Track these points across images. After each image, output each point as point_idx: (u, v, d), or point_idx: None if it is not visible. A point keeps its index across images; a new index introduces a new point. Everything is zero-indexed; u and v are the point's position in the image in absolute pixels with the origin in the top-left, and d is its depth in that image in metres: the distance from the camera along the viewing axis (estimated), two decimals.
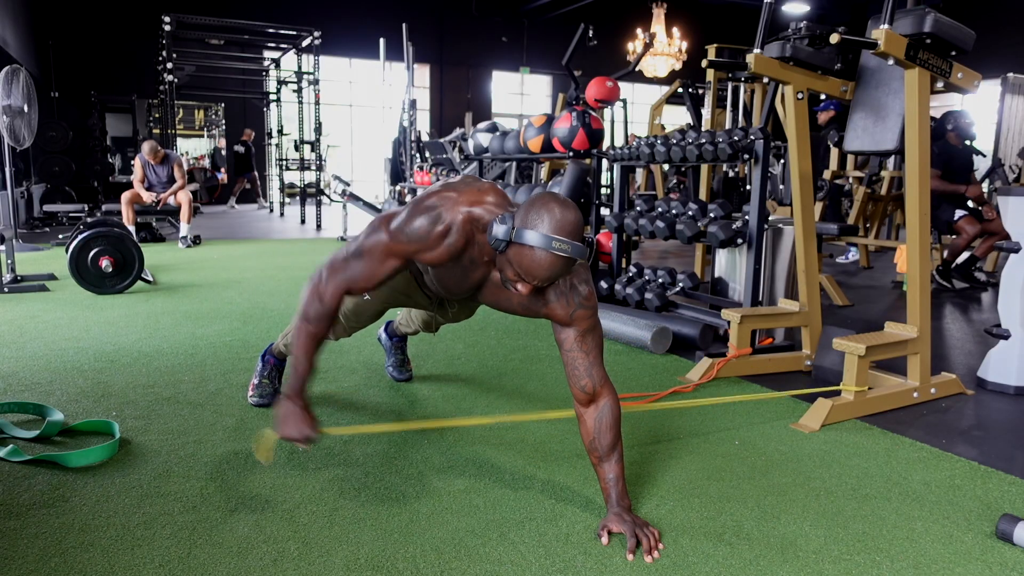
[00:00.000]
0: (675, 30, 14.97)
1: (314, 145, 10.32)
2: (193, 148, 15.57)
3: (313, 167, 10.44)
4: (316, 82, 10.07)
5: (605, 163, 4.76)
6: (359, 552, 1.58)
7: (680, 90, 6.20)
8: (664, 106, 8.88)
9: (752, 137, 3.27)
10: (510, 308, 1.80)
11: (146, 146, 7.28)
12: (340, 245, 7.77)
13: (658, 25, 14.78)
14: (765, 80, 4.58)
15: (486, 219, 1.63)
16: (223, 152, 14.80)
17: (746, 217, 3.33)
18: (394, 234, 1.67)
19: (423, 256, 1.66)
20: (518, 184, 6.01)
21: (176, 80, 9.55)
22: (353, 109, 16.56)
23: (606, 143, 6.61)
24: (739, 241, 3.34)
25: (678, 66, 14.99)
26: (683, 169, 7.59)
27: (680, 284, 3.79)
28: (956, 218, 5.31)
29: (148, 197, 7.21)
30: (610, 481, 1.72)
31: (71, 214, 9.84)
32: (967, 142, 5.66)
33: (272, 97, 12.28)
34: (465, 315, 2.27)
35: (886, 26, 2.38)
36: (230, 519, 1.71)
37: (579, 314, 1.70)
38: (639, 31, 15.07)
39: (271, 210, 13.03)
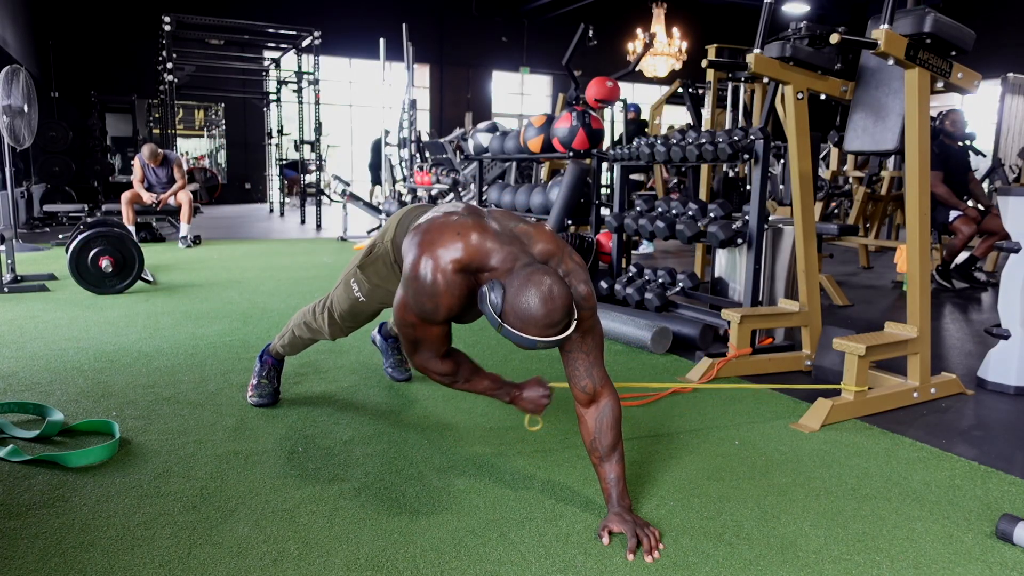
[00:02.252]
0: (675, 30, 14.97)
1: (314, 145, 10.32)
2: (193, 148, 15.59)
3: (313, 167, 10.44)
4: (316, 82, 10.07)
5: (605, 163, 4.76)
6: (359, 552, 1.58)
7: (680, 90, 6.20)
8: (664, 106, 8.88)
9: (752, 137, 3.27)
10: None
11: (145, 149, 7.27)
12: (340, 245, 7.77)
13: (658, 25, 14.78)
14: (765, 80, 4.58)
15: (476, 260, 1.66)
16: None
17: (746, 217, 3.33)
18: (419, 316, 1.73)
19: (447, 315, 1.71)
20: (518, 184, 6.01)
21: (176, 80, 9.55)
22: (353, 109, 16.57)
23: (606, 143, 6.61)
24: (739, 241, 3.34)
25: (678, 66, 14.99)
26: (683, 169, 7.58)
27: (680, 284, 3.79)
28: (952, 219, 5.32)
29: (148, 198, 7.21)
30: (611, 481, 1.72)
31: (71, 214, 9.84)
32: (965, 141, 5.67)
33: (272, 97, 12.28)
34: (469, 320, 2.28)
35: (886, 26, 2.38)
36: (230, 519, 1.71)
37: (579, 315, 1.70)
38: (639, 31, 15.07)
39: (270, 210, 13.04)
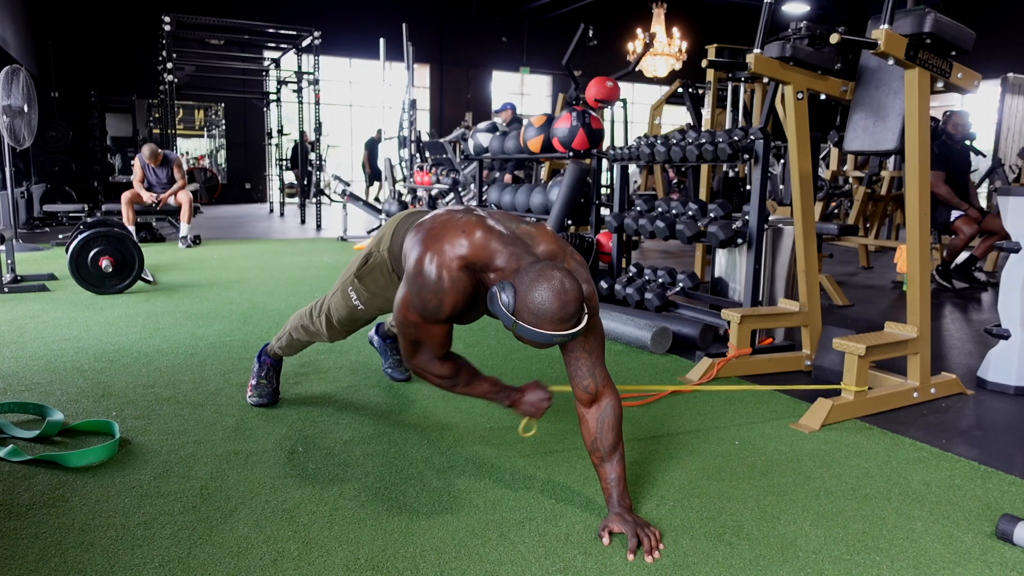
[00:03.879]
0: (675, 30, 14.98)
1: (314, 145, 10.32)
2: (193, 148, 15.59)
3: (313, 167, 10.44)
4: (316, 82, 10.07)
5: (605, 163, 4.76)
6: (359, 552, 1.58)
7: (680, 90, 6.20)
8: (664, 106, 8.88)
9: (752, 137, 3.27)
10: None
11: (146, 149, 7.27)
12: (340, 245, 7.77)
13: (658, 25, 14.78)
14: (765, 80, 4.58)
15: (481, 259, 1.66)
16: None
17: (746, 217, 3.33)
18: (423, 315, 1.72)
19: (451, 313, 1.70)
20: (518, 184, 6.01)
21: (176, 80, 9.55)
22: (353, 109, 16.57)
23: (606, 143, 6.61)
24: (739, 241, 3.34)
25: (678, 66, 14.99)
26: (683, 169, 7.60)
27: (680, 284, 3.79)
28: (952, 219, 5.32)
29: (148, 198, 7.21)
30: (611, 481, 1.72)
31: (71, 214, 9.84)
32: (966, 142, 5.67)
33: (272, 97, 12.28)
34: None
35: (886, 26, 2.38)
36: (230, 519, 1.71)
37: None
38: (639, 31, 15.07)
39: (270, 210, 13.04)
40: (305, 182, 10.61)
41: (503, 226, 1.73)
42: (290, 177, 11.43)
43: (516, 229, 1.74)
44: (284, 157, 12.42)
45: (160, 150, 7.39)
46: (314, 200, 10.21)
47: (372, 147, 13.82)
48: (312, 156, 10.39)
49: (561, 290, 1.52)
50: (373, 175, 13.86)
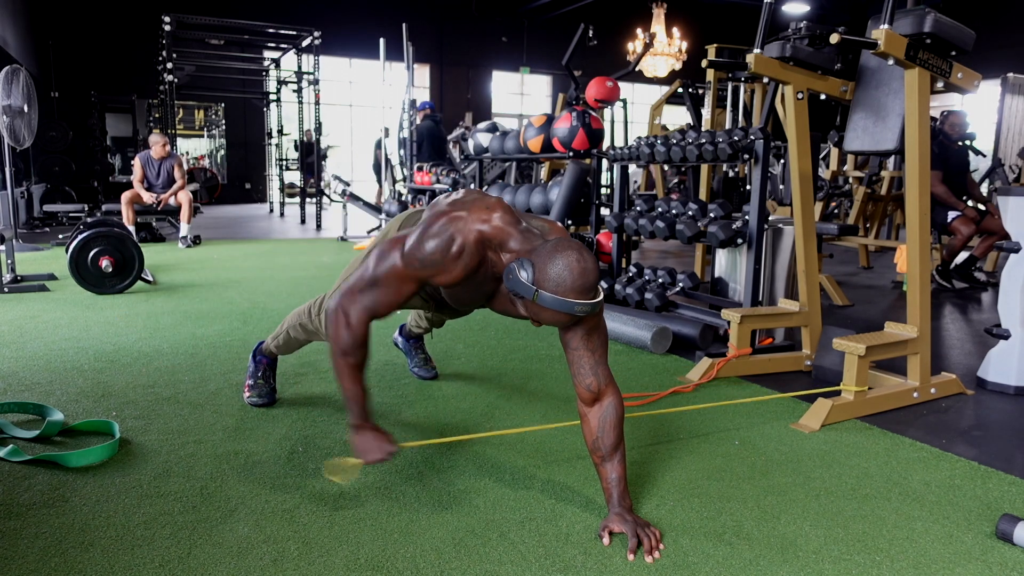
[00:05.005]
0: (675, 30, 14.97)
1: (314, 145, 10.32)
2: (193, 148, 15.59)
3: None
4: (316, 82, 10.07)
5: (605, 163, 4.76)
6: (359, 552, 1.58)
7: (680, 90, 6.20)
8: (664, 106, 8.88)
9: (752, 137, 3.27)
10: (520, 315, 1.80)
11: (154, 136, 7.31)
12: (340, 245, 7.76)
13: (658, 25, 14.78)
14: (765, 80, 4.58)
15: (498, 239, 1.66)
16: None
17: (746, 217, 3.33)
18: (408, 259, 1.67)
19: (439, 279, 1.67)
20: (518, 184, 6.01)
21: (176, 80, 9.54)
22: (353, 109, 16.57)
23: (606, 143, 6.61)
24: (739, 241, 3.34)
25: (678, 66, 14.99)
26: (683, 169, 7.60)
27: (680, 284, 3.78)
28: (950, 219, 5.32)
29: (148, 198, 7.21)
30: (612, 481, 1.72)
31: (71, 214, 9.84)
32: (965, 142, 5.67)
33: (272, 97, 12.28)
34: (467, 312, 2.27)
35: (886, 26, 2.38)
36: (230, 519, 1.71)
37: None
38: (639, 31, 15.06)
39: (270, 210, 13.04)
40: (312, 181, 10.56)
41: (520, 214, 1.75)
42: (297, 177, 11.33)
43: (530, 222, 1.77)
44: (284, 157, 12.41)
45: (168, 145, 7.43)
46: (314, 200, 10.21)
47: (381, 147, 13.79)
48: (325, 157, 10.36)
49: (580, 258, 1.53)
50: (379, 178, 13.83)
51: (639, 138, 4.00)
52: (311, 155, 11.04)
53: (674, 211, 3.68)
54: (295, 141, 11.10)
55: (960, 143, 5.58)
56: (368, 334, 1.75)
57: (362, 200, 8.59)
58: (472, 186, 7.45)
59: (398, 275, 1.69)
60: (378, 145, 13.54)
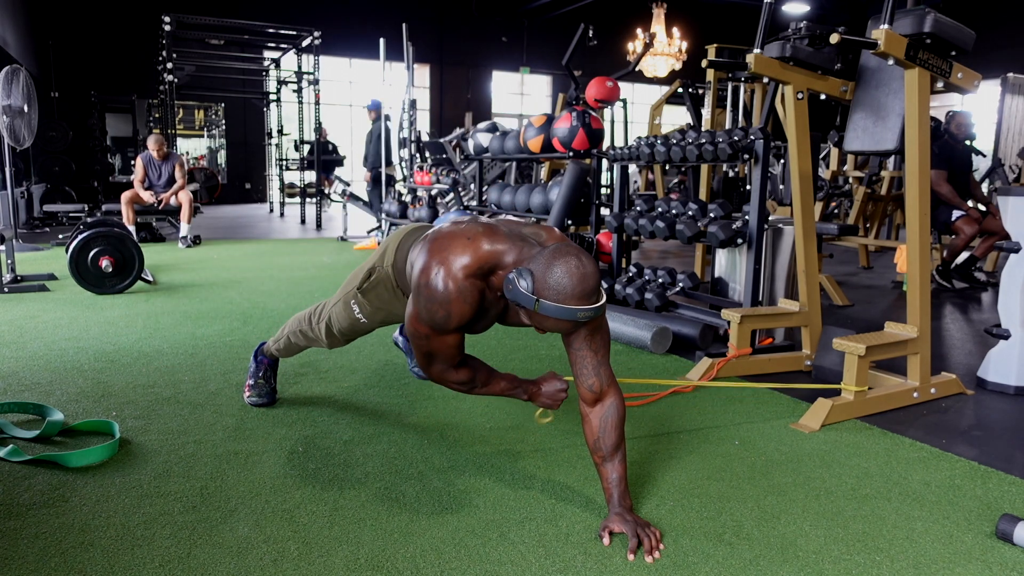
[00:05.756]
0: (675, 30, 14.97)
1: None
2: (193, 148, 15.59)
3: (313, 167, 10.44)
4: (316, 82, 10.07)
5: (605, 163, 4.76)
6: (359, 552, 1.58)
7: (680, 90, 6.20)
8: (664, 106, 8.88)
9: (752, 137, 3.27)
10: (525, 324, 1.80)
11: (152, 138, 7.32)
12: (340, 245, 7.76)
13: (658, 25, 14.78)
14: (765, 80, 4.58)
15: (489, 262, 1.66)
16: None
17: (746, 217, 3.33)
18: (432, 327, 1.72)
19: (461, 321, 1.70)
20: (518, 184, 6.01)
21: (176, 80, 9.54)
22: (353, 109, 16.56)
23: (606, 143, 6.60)
24: (739, 241, 3.34)
25: (678, 66, 14.99)
26: (683, 169, 7.60)
27: (680, 284, 3.79)
28: (954, 219, 5.32)
29: (148, 198, 7.22)
30: (613, 481, 1.72)
31: (71, 214, 9.84)
32: (967, 142, 5.67)
33: (272, 97, 12.28)
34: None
35: (886, 26, 2.38)
36: (230, 519, 1.71)
37: None
38: (639, 31, 15.07)
39: (270, 209, 13.04)
40: (327, 181, 10.50)
41: (508, 228, 1.74)
42: (297, 177, 11.26)
43: (522, 229, 1.76)
44: (285, 157, 12.41)
45: (166, 144, 7.44)
46: (314, 200, 10.21)
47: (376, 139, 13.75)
48: (340, 163, 10.32)
49: (579, 264, 1.53)
50: (378, 178, 13.79)
51: (639, 138, 4.00)
52: (325, 154, 11.02)
53: (674, 211, 3.68)
54: (295, 141, 11.09)
55: (964, 143, 5.59)
56: (467, 371, 1.87)
57: (362, 200, 8.59)
58: (472, 186, 7.45)
59: (436, 340, 1.75)
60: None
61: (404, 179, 8.59)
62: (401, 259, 2.00)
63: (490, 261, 1.66)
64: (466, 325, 1.74)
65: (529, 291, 1.54)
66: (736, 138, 3.31)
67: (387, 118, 8.66)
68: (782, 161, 5.50)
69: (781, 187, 5.60)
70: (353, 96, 16.53)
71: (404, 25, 8.11)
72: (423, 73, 16.77)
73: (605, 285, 4.09)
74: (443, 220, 1.88)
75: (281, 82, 11.69)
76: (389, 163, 8.30)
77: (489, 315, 1.80)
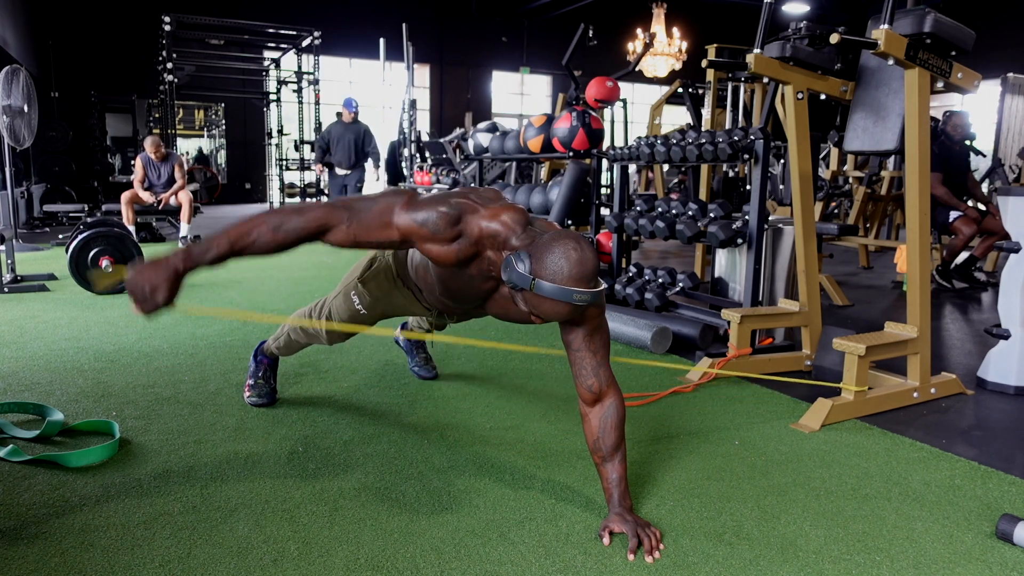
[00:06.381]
0: (675, 30, 14.97)
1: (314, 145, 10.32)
2: (194, 148, 15.59)
3: (313, 167, 10.44)
4: (316, 82, 10.08)
5: (605, 163, 4.76)
6: (359, 552, 1.58)
7: (680, 90, 6.20)
8: (664, 106, 8.88)
9: (752, 137, 3.27)
10: (519, 319, 1.77)
11: (149, 140, 7.32)
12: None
13: (658, 25, 14.78)
14: (765, 80, 4.58)
15: (501, 237, 1.60)
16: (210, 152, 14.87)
17: (746, 217, 3.33)
18: (411, 208, 1.59)
19: (426, 246, 1.60)
20: (518, 184, 6.01)
21: (176, 80, 9.55)
22: None
23: (606, 143, 6.61)
24: (739, 241, 3.34)
25: (678, 66, 14.99)
26: (683, 169, 7.60)
27: (680, 284, 3.78)
28: (952, 219, 5.32)
29: (148, 198, 7.22)
30: (613, 481, 1.72)
31: (71, 214, 9.84)
32: (967, 142, 5.67)
33: (272, 97, 12.28)
34: (466, 316, 2.27)
35: (886, 26, 2.38)
36: (230, 519, 1.71)
37: (588, 312, 1.69)
38: (639, 31, 15.06)
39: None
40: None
41: (529, 220, 1.73)
42: (302, 178, 11.24)
43: (533, 223, 1.74)
44: (285, 157, 12.42)
45: (164, 146, 7.44)
46: (314, 201, 10.22)
47: (394, 150, 13.73)
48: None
49: (577, 247, 1.50)
50: (397, 176, 13.74)
51: (639, 138, 4.00)
52: None
53: (674, 211, 3.68)
54: (295, 141, 11.09)
55: (962, 144, 5.58)
56: (306, 236, 1.57)
57: None
58: (473, 186, 7.45)
59: (392, 214, 1.59)
60: (394, 149, 13.47)
61: (404, 179, 8.59)
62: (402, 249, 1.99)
63: (503, 235, 1.60)
64: (414, 245, 1.62)
65: (527, 271, 1.51)
66: (736, 138, 3.31)
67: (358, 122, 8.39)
68: (782, 161, 5.50)
69: (781, 187, 5.60)
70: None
71: (404, 25, 8.12)
72: (423, 73, 16.77)
73: (605, 285, 4.08)
74: None
75: (281, 82, 11.70)
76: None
77: (470, 287, 1.75)
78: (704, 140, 3.48)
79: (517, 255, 1.54)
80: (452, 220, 1.59)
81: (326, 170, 8.17)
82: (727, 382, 2.93)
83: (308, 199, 10.93)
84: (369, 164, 8.05)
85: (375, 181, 8.28)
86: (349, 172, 7.97)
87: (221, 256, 1.56)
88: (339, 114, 8.17)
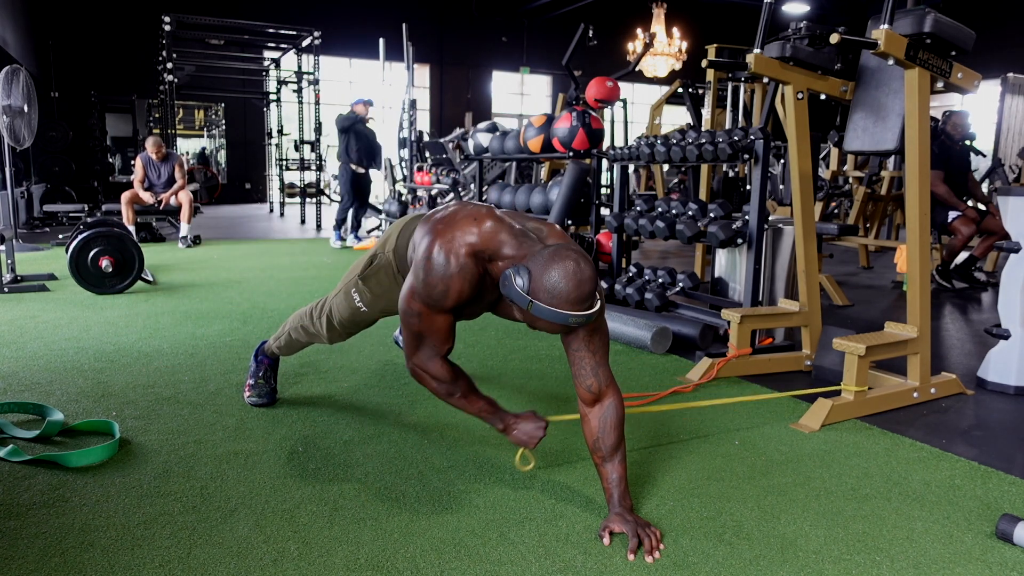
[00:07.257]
0: (675, 30, 14.97)
1: (314, 145, 10.31)
2: (194, 148, 15.59)
3: (313, 167, 10.44)
4: (316, 82, 10.07)
5: (605, 163, 4.76)
6: (359, 552, 1.58)
7: (680, 90, 6.20)
8: (664, 106, 8.88)
9: (752, 137, 3.27)
10: (517, 319, 1.81)
11: (150, 141, 7.33)
12: (340, 245, 7.73)
13: (658, 25, 14.77)
14: (765, 80, 4.58)
15: (489, 247, 1.67)
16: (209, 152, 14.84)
17: (746, 217, 3.33)
18: (427, 303, 1.72)
19: (457, 300, 1.70)
20: (518, 184, 6.01)
21: (176, 80, 9.54)
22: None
23: (606, 143, 6.61)
24: (739, 241, 3.34)
25: (678, 66, 14.99)
26: (683, 169, 7.60)
27: (680, 284, 3.79)
28: (951, 219, 5.32)
29: (148, 197, 7.22)
30: (613, 481, 1.72)
31: (71, 214, 9.84)
32: (967, 142, 5.67)
33: (272, 97, 12.28)
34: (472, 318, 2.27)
35: (886, 26, 2.38)
36: (230, 519, 1.71)
37: None
38: (639, 31, 15.06)
39: (270, 209, 13.04)
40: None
41: (513, 220, 1.75)
42: (302, 178, 11.19)
43: (525, 224, 1.76)
44: (285, 157, 12.41)
45: (164, 146, 7.44)
46: (314, 200, 10.22)
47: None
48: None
49: (576, 269, 1.52)
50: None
51: (639, 138, 4.00)
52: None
53: (674, 211, 3.68)
54: (295, 141, 11.08)
55: (962, 143, 5.58)
56: (450, 369, 1.85)
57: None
58: (472, 186, 7.45)
59: (428, 319, 1.75)
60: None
61: (404, 179, 8.59)
62: (403, 245, 2.01)
63: (491, 247, 1.67)
64: (462, 306, 1.74)
65: (524, 290, 1.54)
66: (736, 138, 3.31)
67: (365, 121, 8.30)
68: (782, 161, 5.50)
69: (781, 187, 5.60)
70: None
71: (404, 25, 8.11)
72: (423, 73, 16.76)
73: (605, 285, 4.09)
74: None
75: (281, 82, 11.69)
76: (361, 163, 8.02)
77: (484, 300, 1.81)
78: (704, 140, 3.48)
79: (516, 269, 1.56)
80: (448, 273, 1.67)
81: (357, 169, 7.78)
82: (727, 382, 2.94)
83: (308, 199, 10.90)
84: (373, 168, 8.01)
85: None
86: (365, 172, 7.90)
87: (486, 405, 1.93)
88: (354, 111, 7.89)
